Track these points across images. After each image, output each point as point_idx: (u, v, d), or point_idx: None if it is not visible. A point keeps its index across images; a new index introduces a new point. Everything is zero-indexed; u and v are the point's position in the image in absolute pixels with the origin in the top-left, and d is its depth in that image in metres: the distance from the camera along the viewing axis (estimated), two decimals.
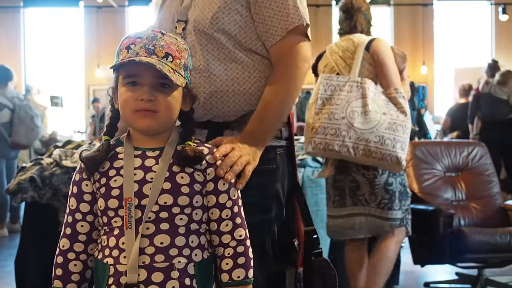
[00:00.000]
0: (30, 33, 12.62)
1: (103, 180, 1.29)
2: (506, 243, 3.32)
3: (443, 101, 11.78)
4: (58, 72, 12.47)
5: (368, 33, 2.95)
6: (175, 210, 1.27)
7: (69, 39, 12.57)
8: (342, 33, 2.99)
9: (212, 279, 1.33)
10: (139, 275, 1.24)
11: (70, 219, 1.32)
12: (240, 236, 1.32)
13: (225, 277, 1.31)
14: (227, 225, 1.31)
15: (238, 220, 1.33)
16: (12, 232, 5.66)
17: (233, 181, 1.34)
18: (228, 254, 1.31)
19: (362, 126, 2.65)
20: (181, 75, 1.28)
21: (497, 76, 6.56)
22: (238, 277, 1.31)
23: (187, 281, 1.26)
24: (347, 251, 2.96)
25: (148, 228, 1.25)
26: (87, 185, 1.31)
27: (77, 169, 1.34)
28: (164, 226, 1.26)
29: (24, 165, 3.10)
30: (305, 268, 1.63)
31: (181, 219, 1.27)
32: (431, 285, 3.77)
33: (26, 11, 12.55)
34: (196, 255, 1.28)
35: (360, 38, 2.87)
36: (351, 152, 2.65)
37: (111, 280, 1.26)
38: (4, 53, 11.76)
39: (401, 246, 3.90)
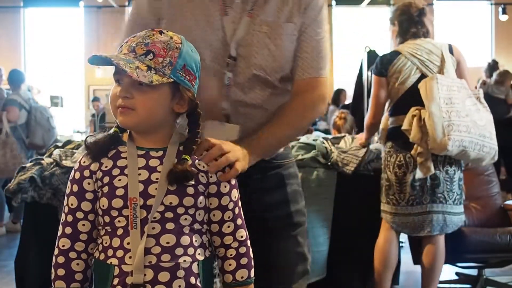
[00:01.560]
0: (30, 33, 12.64)
1: (106, 179, 1.28)
2: (506, 243, 3.32)
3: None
4: (58, 72, 12.47)
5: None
6: (180, 210, 1.26)
7: (69, 39, 12.58)
8: (411, 36, 3.08)
9: (213, 277, 1.34)
10: (145, 275, 1.23)
11: (70, 218, 1.31)
12: (242, 237, 1.33)
13: (228, 278, 1.32)
14: (229, 227, 1.32)
15: (239, 221, 1.34)
16: (12, 232, 5.67)
17: (233, 183, 1.34)
18: (231, 255, 1.32)
19: (480, 122, 2.84)
20: (163, 72, 1.25)
21: (494, 76, 6.59)
22: (242, 277, 1.32)
23: (192, 280, 1.26)
24: (390, 250, 3.05)
25: (153, 228, 1.25)
26: (89, 183, 1.30)
27: (77, 167, 1.33)
28: (170, 226, 1.26)
29: (24, 165, 3.09)
30: None
31: (185, 219, 1.27)
32: None
33: (26, 11, 12.56)
34: (199, 254, 1.28)
35: (439, 43, 3.02)
36: (473, 148, 2.82)
37: (116, 281, 1.25)
38: (4, 53, 11.77)
39: (401, 246, 3.91)
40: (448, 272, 3.96)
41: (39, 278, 2.81)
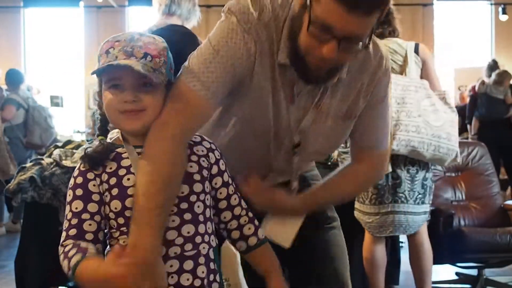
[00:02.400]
0: (30, 33, 12.62)
1: (113, 180, 1.28)
2: (506, 243, 3.32)
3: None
4: (58, 72, 12.46)
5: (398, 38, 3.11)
6: (192, 198, 1.32)
7: (69, 39, 12.56)
8: (377, 36, 3.07)
9: (220, 265, 1.40)
10: (171, 266, 1.28)
11: (74, 221, 1.26)
12: (245, 205, 1.43)
13: (253, 240, 1.41)
14: (235, 199, 1.41)
15: (238, 193, 1.43)
16: (12, 232, 5.67)
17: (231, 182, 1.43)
18: (245, 221, 1.41)
19: (435, 123, 2.83)
20: (162, 73, 1.29)
21: (493, 76, 6.58)
22: (262, 235, 1.43)
23: (211, 265, 1.33)
24: (375, 249, 3.03)
25: (173, 221, 1.30)
26: (94, 185, 1.29)
27: (77, 173, 1.31)
28: (187, 216, 1.31)
29: (24, 165, 3.10)
30: None
31: (198, 206, 1.33)
32: (431, 285, 3.77)
33: (26, 11, 12.54)
34: (212, 240, 1.36)
35: (405, 42, 3.03)
36: (425, 148, 2.81)
37: None
38: (4, 53, 11.76)
39: (401, 246, 3.92)
40: (448, 272, 3.96)
41: (39, 278, 2.81)
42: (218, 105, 1.42)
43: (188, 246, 1.30)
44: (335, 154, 3.32)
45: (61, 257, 1.24)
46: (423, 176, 2.96)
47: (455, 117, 2.94)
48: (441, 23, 12.41)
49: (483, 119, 6.57)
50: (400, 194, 2.92)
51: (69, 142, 3.40)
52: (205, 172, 1.35)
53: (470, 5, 12.79)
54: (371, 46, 1.48)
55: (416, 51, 3.01)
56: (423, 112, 2.83)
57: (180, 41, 2.77)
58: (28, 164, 3.06)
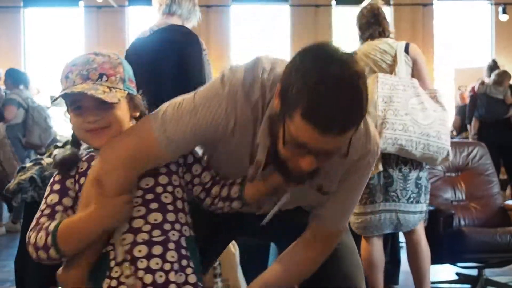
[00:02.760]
0: (30, 33, 12.62)
1: (82, 180, 1.36)
2: (506, 243, 3.32)
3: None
4: (58, 72, 12.44)
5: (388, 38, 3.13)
6: (158, 190, 1.38)
7: (69, 39, 12.57)
8: (367, 37, 3.13)
9: (199, 258, 1.43)
10: (140, 251, 1.32)
11: (48, 211, 1.35)
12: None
13: (237, 179, 1.49)
14: (217, 177, 1.50)
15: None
16: (12, 232, 5.67)
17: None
18: (227, 181, 1.50)
19: (424, 121, 2.82)
20: (120, 88, 1.35)
21: (493, 76, 6.59)
22: None
23: (183, 251, 1.37)
24: (372, 249, 3.01)
25: (139, 211, 1.35)
26: (71, 182, 1.38)
27: (57, 172, 1.41)
28: (154, 205, 1.37)
29: (24, 165, 3.10)
30: None
31: (166, 197, 1.38)
32: (431, 285, 3.76)
33: (26, 11, 12.55)
34: (185, 230, 1.40)
35: (396, 42, 3.05)
36: (414, 146, 2.80)
37: (113, 263, 1.33)
38: (4, 53, 11.77)
39: (401, 246, 3.92)
40: (448, 272, 3.96)
41: (39, 278, 2.81)
42: (177, 157, 1.45)
43: (156, 232, 1.34)
44: None
45: (32, 235, 1.31)
46: (416, 176, 2.94)
47: (445, 116, 2.92)
48: (441, 23, 12.41)
49: (483, 119, 6.57)
50: (392, 193, 2.91)
51: (69, 142, 3.40)
52: (173, 167, 1.42)
53: (470, 5, 12.80)
54: (362, 137, 1.46)
55: (406, 50, 3.02)
56: (411, 110, 2.81)
57: (181, 41, 2.78)
58: (28, 164, 3.06)
